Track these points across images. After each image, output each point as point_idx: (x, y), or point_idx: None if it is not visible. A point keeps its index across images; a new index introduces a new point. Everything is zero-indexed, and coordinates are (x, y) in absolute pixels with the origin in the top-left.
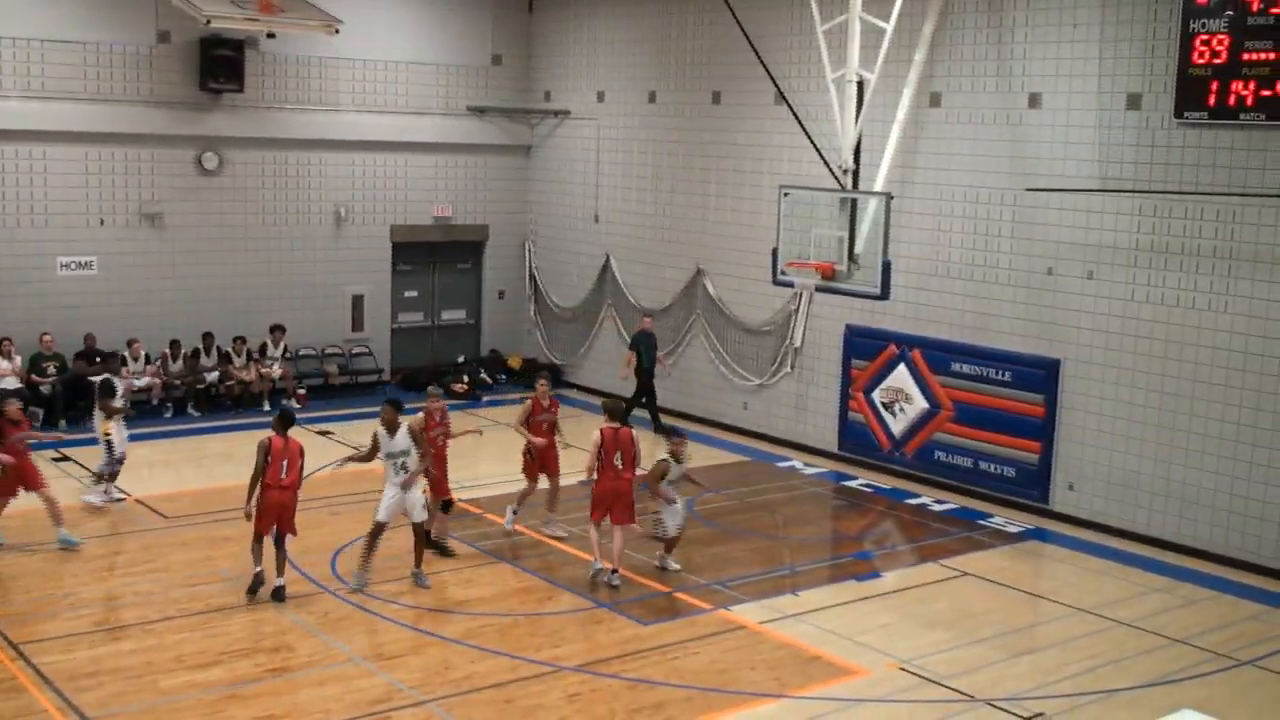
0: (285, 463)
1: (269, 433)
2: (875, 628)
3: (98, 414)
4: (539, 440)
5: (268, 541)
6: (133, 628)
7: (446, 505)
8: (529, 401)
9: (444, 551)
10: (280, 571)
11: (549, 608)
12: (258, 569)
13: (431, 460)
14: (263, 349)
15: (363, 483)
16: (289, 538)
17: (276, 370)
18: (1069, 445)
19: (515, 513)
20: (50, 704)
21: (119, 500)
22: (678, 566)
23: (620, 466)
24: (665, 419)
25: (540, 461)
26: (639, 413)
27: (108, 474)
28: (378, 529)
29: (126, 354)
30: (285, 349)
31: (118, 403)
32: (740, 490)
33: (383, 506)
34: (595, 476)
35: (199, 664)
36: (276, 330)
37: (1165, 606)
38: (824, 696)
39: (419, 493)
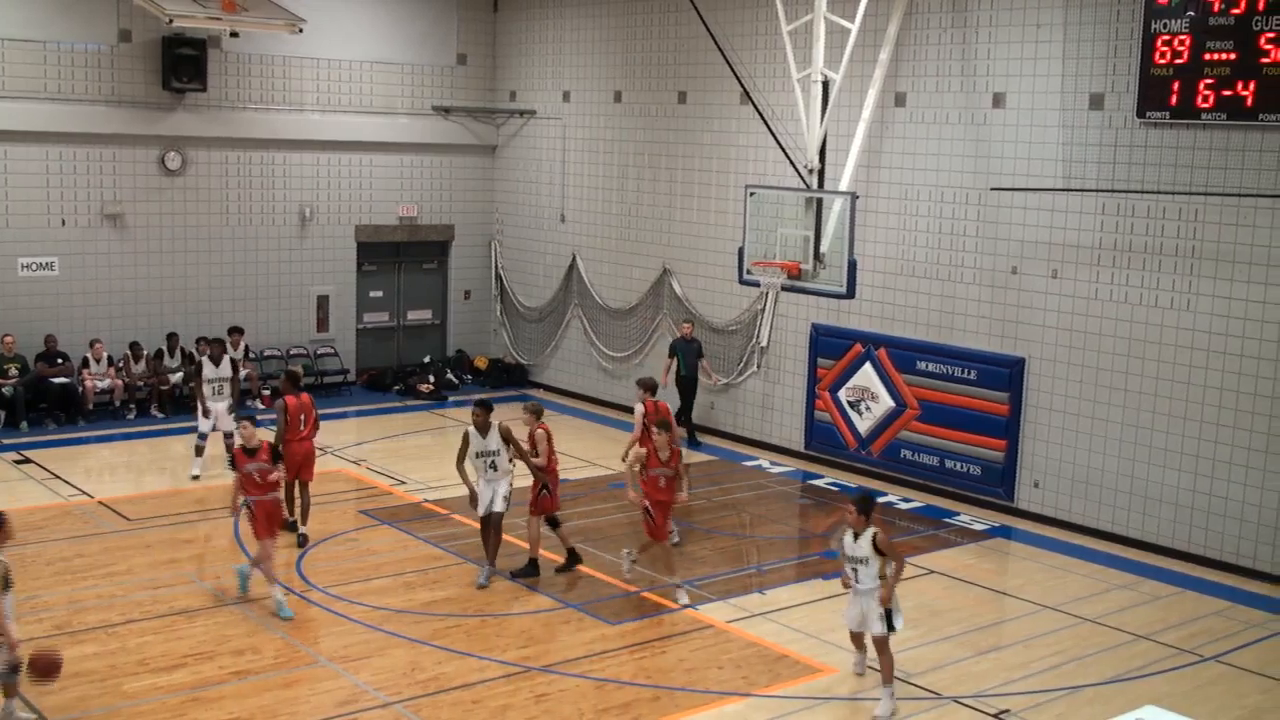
0: (303, 416)
1: (282, 398)
2: (842, 626)
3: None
4: (650, 500)
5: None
6: (95, 631)
7: (554, 522)
8: (643, 449)
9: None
10: (304, 520)
11: (516, 608)
12: (291, 519)
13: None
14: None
15: (333, 484)
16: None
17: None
18: (1034, 443)
19: (634, 560)
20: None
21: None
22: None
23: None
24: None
25: (659, 519)
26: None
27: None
28: (484, 523)
29: (89, 355)
30: (246, 350)
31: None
32: (707, 489)
33: (481, 504)
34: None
35: (163, 667)
36: (235, 332)
37: (1129, 603)
38: (791, 695)
39: (507, 486)
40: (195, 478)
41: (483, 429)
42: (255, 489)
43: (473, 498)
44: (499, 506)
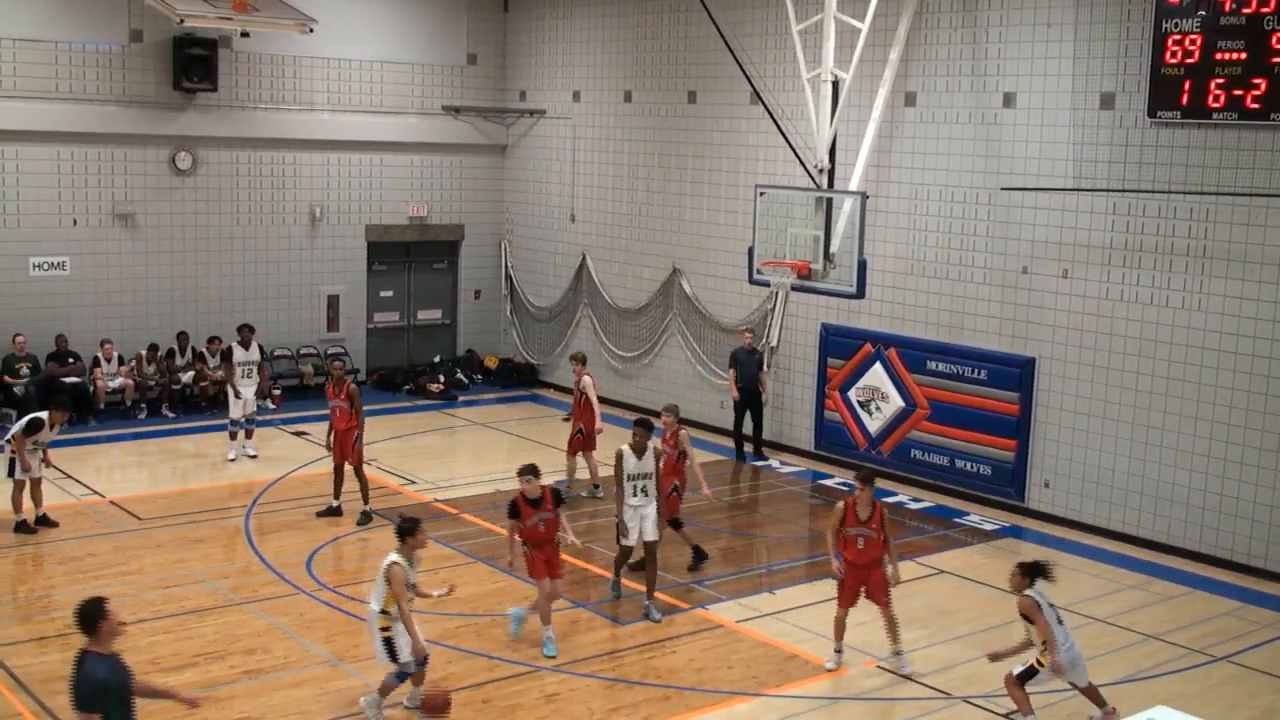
0: (334, 404)
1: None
2: (852, 626)
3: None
4: (845, 564)
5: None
6: None
7: (676, 524)
8: (840, 505)
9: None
10: (365, 499)
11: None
12: (335, 503)
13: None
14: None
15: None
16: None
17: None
18: (1044, 443)
19: (839, 652)
20: (24, 707)
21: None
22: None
23: None
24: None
25: (857, 585)
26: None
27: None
28: (626, 552)
29: (99, 354)
30: (262, 350)
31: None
32: (717, 489)
33: (632, 533)
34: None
35: (174, 666)
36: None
37: (1140, 603)
38: (801, 695)
39: (653, 510)
40: (232, 460)
41: (640, 450)
42: (536, 538)
43: (623, 528)
44: (653, 535)
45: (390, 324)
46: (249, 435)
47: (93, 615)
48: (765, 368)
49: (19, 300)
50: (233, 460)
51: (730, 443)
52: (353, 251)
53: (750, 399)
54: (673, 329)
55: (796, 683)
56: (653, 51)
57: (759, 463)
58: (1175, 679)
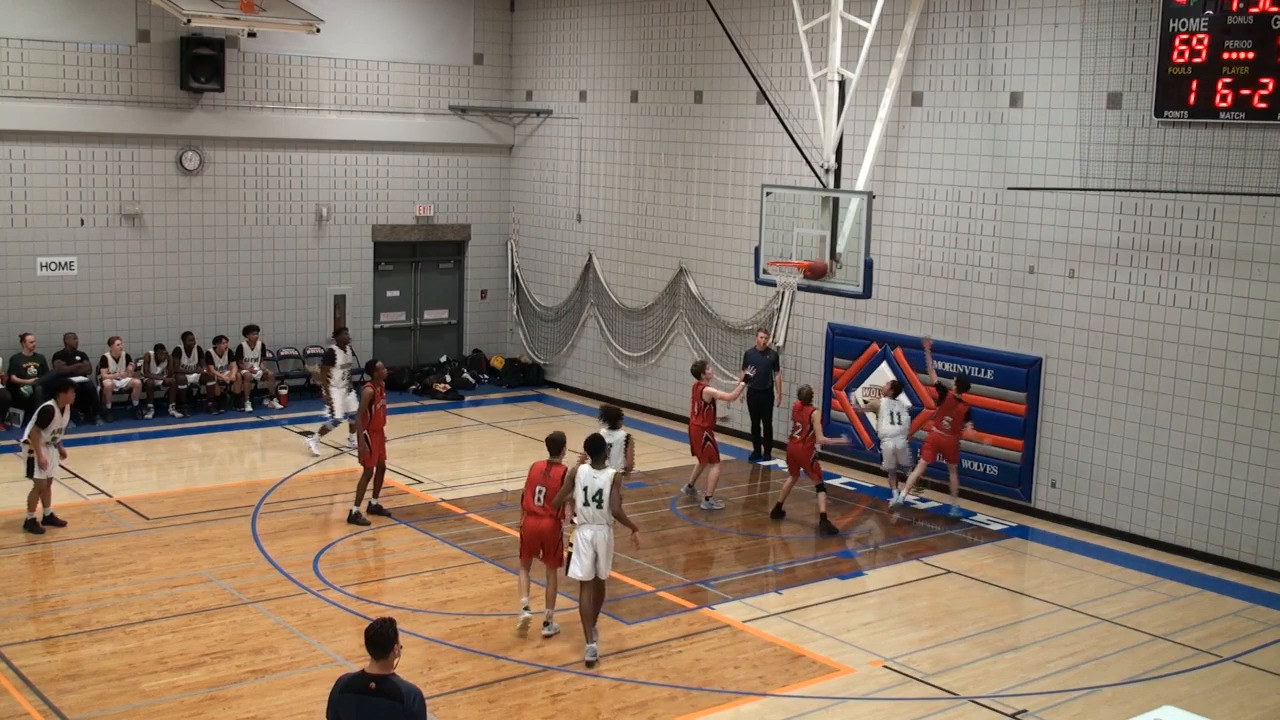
0: (382, 404)
1: (368, 384)
2: (859, 626)
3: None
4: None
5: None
6: (114, 630)
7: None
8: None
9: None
10: (376, 494)
11: (533, 607)
12: (356, 506)
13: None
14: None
15: (344, 484)
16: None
17: (257, 371)
18: (1051, 443)
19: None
20: (32, 707)
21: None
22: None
23: (540, 503)
24: (648, 418)
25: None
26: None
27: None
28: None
29: (107, 353)
30: (263, 349)
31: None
32: (723, 489)
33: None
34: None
35: (181, 666)
36: (251, 331)
37: (1147, 603)
38: (808, 695)
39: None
40: (315, 455)
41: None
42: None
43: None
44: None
45: (397, 324)
46: (323, 432)
47: (393, 637)
48: (779, 369)
49: (27, 300)
50: (316, 456)
51: (738, 443)
52: (359, 251)
53: (764, 400)
54: (679, 329)
55: (803, 683)
56: (659, 51)
57: (766, 464)
58: (1182, 679)
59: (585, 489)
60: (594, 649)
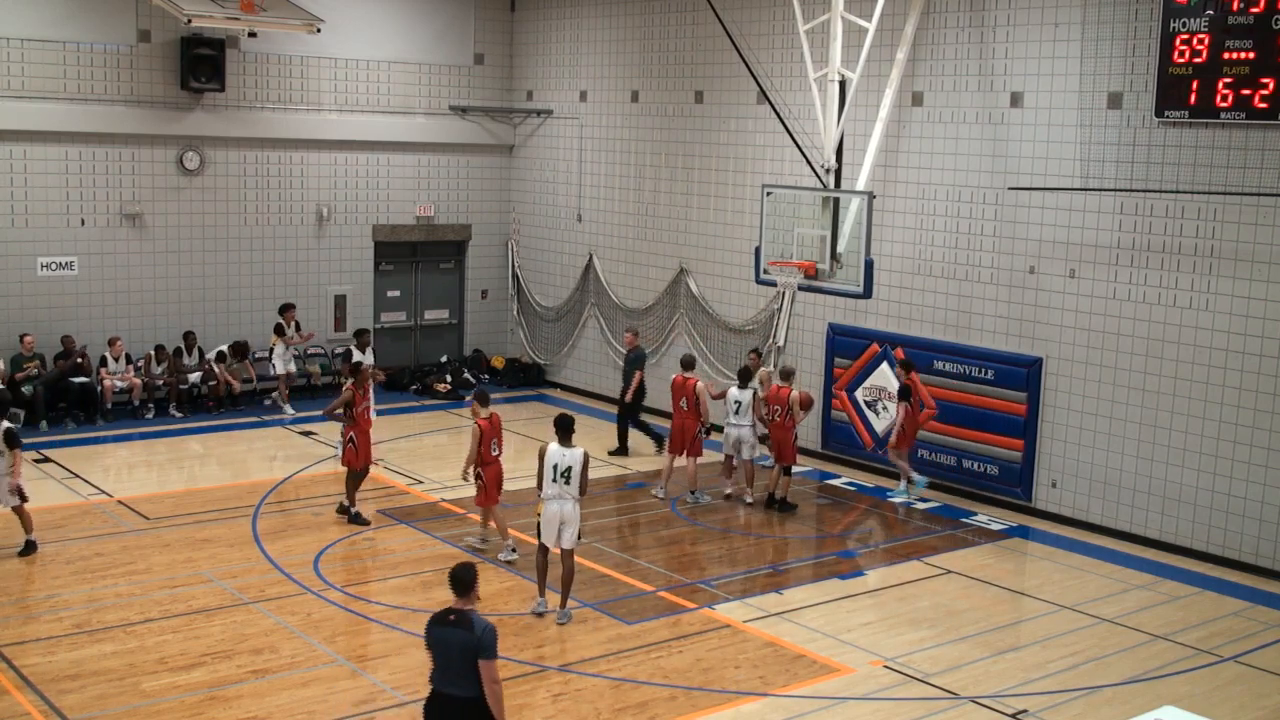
0: (370, 401)
1: (349, 386)
2: (859, 626)
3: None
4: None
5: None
6: (114, 630)
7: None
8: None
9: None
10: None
11: (533, 607)
12: (355, 507)
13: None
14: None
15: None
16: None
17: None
18: (1051, 443)
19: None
20: (32, 707)
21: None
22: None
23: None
24: (648, 419)
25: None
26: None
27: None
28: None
29: (107, 354)
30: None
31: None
32: (713, 490)
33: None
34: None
35: (181, 665)
36: (287, 309)
37: (1148, 603)
38: (808, 695)
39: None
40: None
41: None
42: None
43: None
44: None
45: (397, 324)
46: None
47: (473, 578)
48: (642, 368)
49: (27, 300)
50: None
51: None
52: (360, 251)
53: (635, 397)
54: (679, 329)
55: (803, 683)
56: (660, 51)
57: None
58: (1183, 679)
59: (555, 466)
60: (566, 614)
